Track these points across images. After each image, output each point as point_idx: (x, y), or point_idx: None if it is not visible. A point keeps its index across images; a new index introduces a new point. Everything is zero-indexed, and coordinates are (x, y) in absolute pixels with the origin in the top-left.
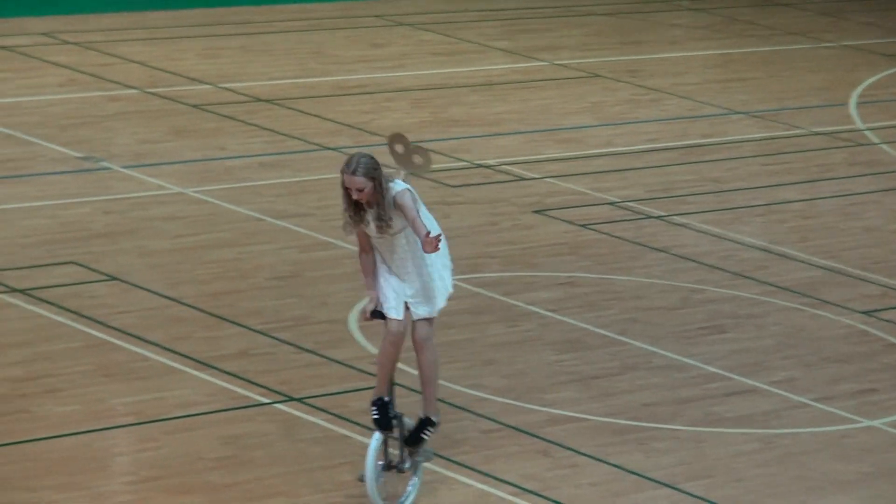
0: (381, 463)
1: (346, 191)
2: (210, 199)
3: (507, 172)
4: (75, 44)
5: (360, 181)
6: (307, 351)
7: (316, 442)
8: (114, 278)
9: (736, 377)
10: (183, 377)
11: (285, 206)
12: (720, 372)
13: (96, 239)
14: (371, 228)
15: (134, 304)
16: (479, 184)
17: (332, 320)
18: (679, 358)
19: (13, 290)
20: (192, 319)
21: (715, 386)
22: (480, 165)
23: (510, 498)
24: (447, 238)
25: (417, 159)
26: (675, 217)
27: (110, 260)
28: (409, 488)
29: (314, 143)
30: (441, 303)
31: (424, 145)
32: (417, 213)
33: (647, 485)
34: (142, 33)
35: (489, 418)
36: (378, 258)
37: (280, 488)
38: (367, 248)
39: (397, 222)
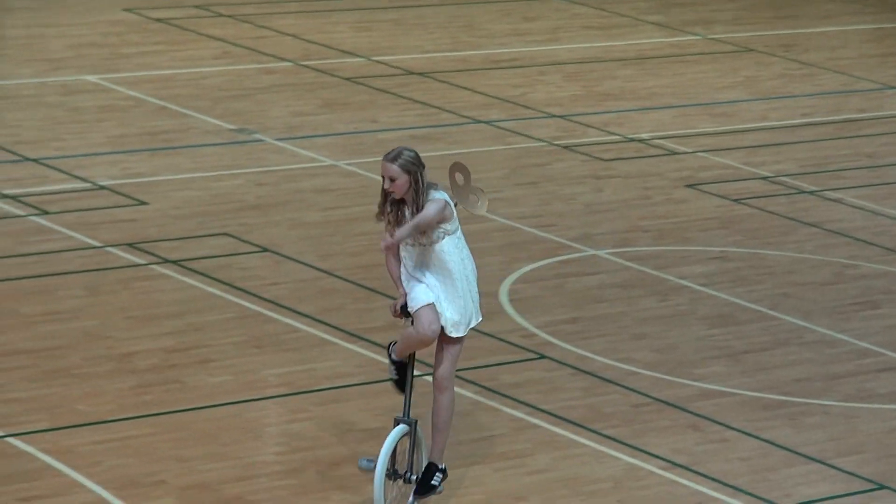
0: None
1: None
2: (362, 172)
3: (659, 147)
4: (229, 16)
5: (394, 170)
6: None
7: (466, 414)
8: (265, 250)
9: (889, 353)
10: (334, 349)
11: (436, 179)
12: (873, 348)
13: (248, 211)
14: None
15: (285, 275)
16: (631, 158)
17: (482, 293)
18: (831, 333)
19: (166, 262)
20: (343, 291)
21: (868, 362)
22: (633, 139)
23: (660, 472)
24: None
25: (473, 198)
26: (828, 192)
27: (262, 232)
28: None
29: (466, 116)
30: (464, 328)
31: (576, 119)
32: (438, 227)
33: (797, 460)
34: (295, 6)
35: (639, 392)
36: (407, 267)
37: None
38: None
39: (434, 232)
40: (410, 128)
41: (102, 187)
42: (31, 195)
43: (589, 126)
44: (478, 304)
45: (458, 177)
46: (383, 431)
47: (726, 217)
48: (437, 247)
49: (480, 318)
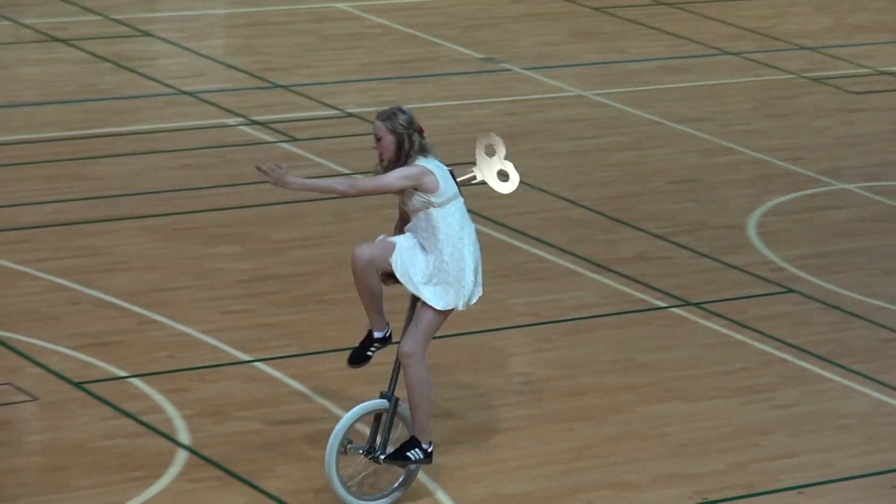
0: (355, 446)
1: None
2: (610, 102)
3: None
4: None
5: (380, 128)
6: (705, 256)
7: (712, 347)
8: None
9: None
10: (580, 279)
11: (685, 110)
12: None
13: None
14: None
15: (533, 205)
16: (882, 91)
17: (731, 226)
18: None
19: None
20: (590, 222)
21: None
22: (884, 73)
23: None
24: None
25: (501, 175)
26: None
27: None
28: (393, 489)
29: (715, 48)
30: (449, 300)
31: (826, 51)
32: (416, 194)
33: None
34: None
35: (887, 327)
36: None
37: (675, 392)
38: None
39: (411, 200)
40: (659, 59)
41: (351, 115)
42: (280, 122)
43: (839, 59)
44: (471, 288)
45: (489, 149)
46: (629, 363)
47: None
48: (424, 215)
49: (474, 300)
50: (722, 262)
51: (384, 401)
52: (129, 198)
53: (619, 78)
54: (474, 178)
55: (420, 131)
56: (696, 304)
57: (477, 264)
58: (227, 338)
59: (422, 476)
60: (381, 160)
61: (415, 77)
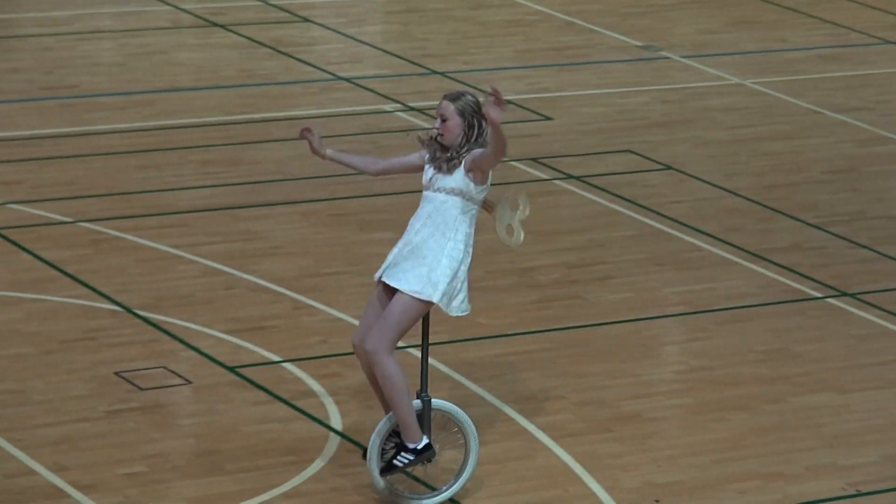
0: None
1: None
2: (768, 91)
3: None
4: None
5: (450, 109)
6: (861, 246)
7: (867, 338)
8: (669, 167)
9: None
10: (735, 268)
11: (845, 99)
12: None
13: (653, 128)
14: (428, 171)
15: (688, 194)
16: None
17: (889, 216)
18: None
19: (569, 177)
20: (746, 211)
21: None
22: None
23: None
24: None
25: (509, 230)
26: None
27: (666, 149)
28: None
29: (877, 37)
30: (422, 286)
31: None
32: (468, 178)
33: None
34: None
35: None
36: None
37: (830, 383)
38: (395, 168)
39: (449, 181)
40: (818, 47)
41: (508, 101)
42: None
43: None
44: (446, 287)
45: (514, 203)
46: (783, 353)
47: None
48: (452, 203)
49: (460, 309)
50: (879, 253)
51: (418, 401)
52: (284, 183)
53: (777, 66)
54: (492, 209)
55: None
56: (852, 295)
57: (466, 274)
58: None
59: (573, 464)
60: (432, 144)
61: (572, 64)
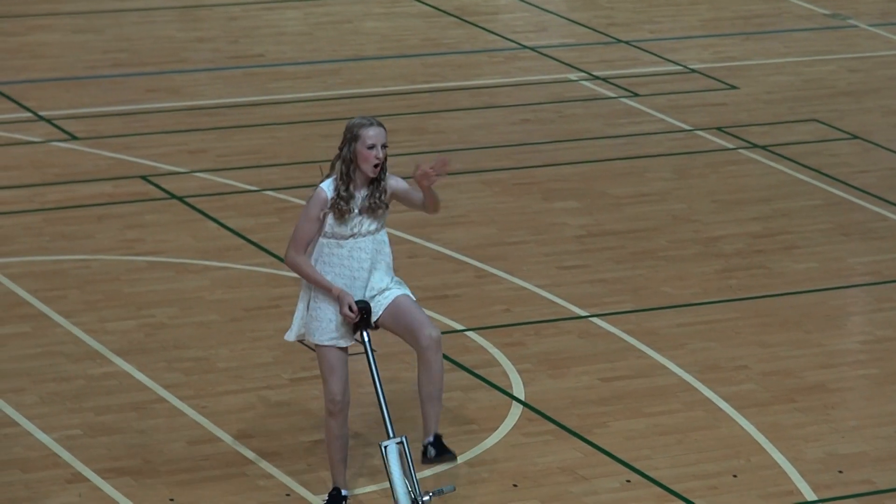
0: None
1: (365, 153)
2: None
3: None
4: None
5: (385, 137)
6: None
7: None
8: (856, 137)
9: None
10: None
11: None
12: None
13: (839, 97)
14: (352, 214)
15: (875, 163)
16: None
17: None
18: None
19: (755, 146)
20: None
21: None
22: None
23: None
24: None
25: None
26: None
27: (853, 118)
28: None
29: None
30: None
31: None
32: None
33: None
34: None
35: None
36: (345, 265)
37: None
38: (308, 245)
39: (385, 214)
40: None
41: (693, 70)
42: (622, 77)
43: None
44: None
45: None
46: None
47: None
48: (384, 232)
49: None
50: None
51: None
52: (469, 152)
53: None
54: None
55: None
56: None
57: None
58: (563, 292)
59: (756, 434)
60: (343, 191)
61: (758, 33)
